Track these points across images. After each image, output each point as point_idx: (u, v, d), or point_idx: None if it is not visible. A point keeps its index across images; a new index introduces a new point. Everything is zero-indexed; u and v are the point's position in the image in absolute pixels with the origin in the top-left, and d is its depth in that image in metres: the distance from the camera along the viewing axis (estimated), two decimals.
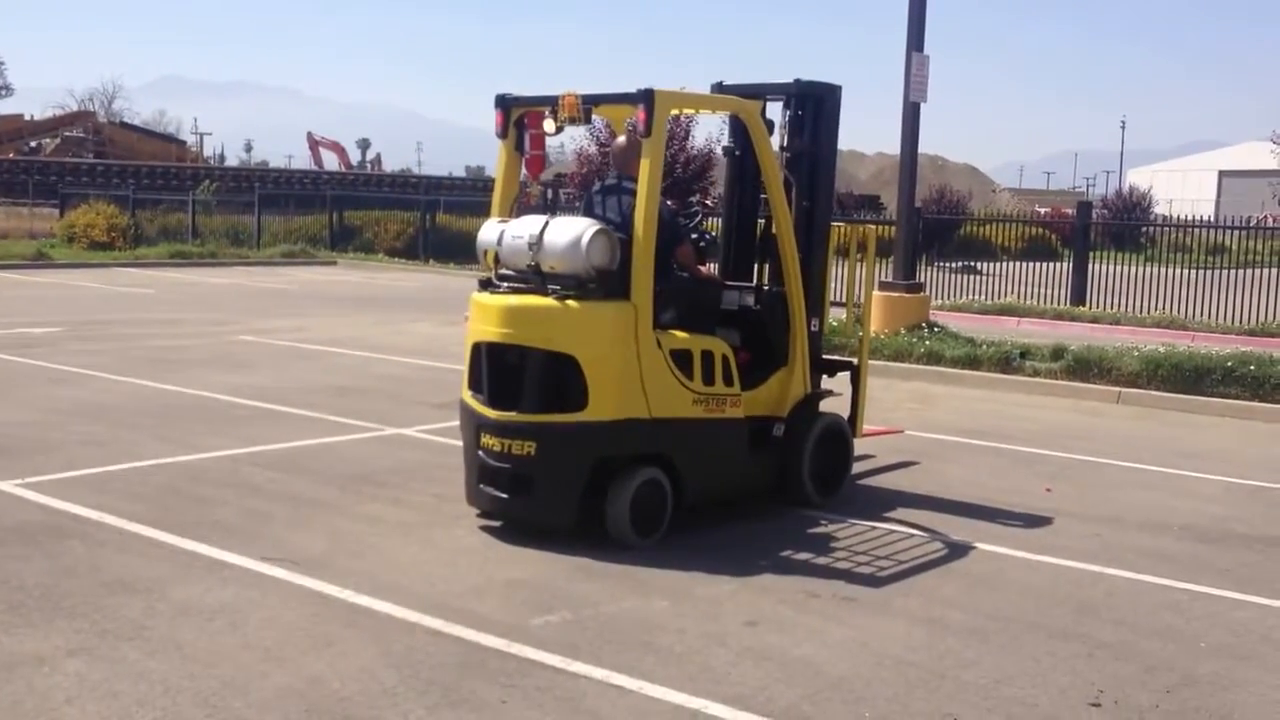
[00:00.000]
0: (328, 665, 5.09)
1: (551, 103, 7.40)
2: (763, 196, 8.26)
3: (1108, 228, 34.38)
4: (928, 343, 14.64)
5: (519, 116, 7.74)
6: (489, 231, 7.35)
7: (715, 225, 9.53)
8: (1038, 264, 24.26)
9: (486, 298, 7.26)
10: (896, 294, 16.18)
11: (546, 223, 7.01)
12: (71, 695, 4.71)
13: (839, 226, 9.45)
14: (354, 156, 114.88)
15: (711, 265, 8.55)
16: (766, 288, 8.24)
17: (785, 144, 8.31)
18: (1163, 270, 21.58)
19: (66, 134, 73.96)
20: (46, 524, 6.99)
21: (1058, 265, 24.28)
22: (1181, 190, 73.18)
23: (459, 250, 31.65)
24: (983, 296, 22.99)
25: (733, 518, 7.60)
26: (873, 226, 10.50)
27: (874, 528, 7.60)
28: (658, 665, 5.22)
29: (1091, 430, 11.31)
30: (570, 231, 6.89)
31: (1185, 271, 21.56)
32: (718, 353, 7.36)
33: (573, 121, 7.36)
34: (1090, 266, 22.57)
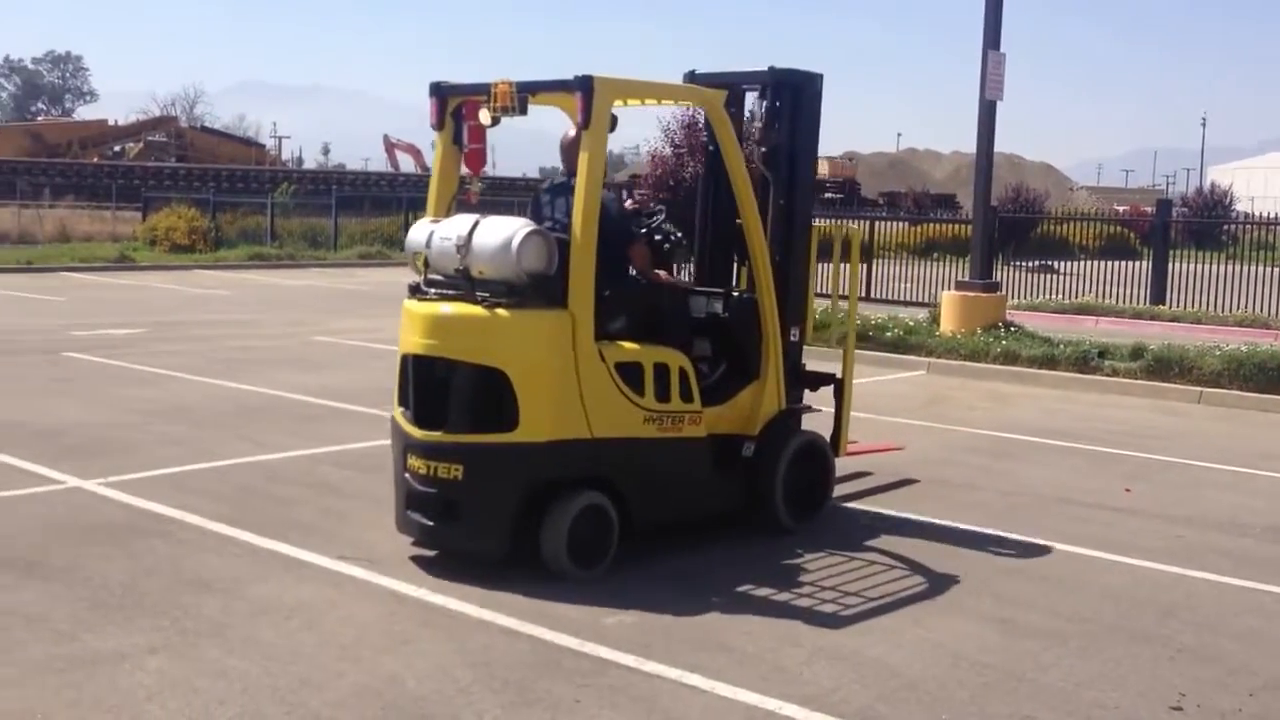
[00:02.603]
0: (404, 663, 5.13)
1: (487, 91, 6.76)
2: None
3: (1188, 226, 33.85)
4: (1004, 342, 14.51)
5: (456, 106, 7.03)
6: (418, 232, 6.68)
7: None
8: (1116, 263, 23.92)
9: (414, 305, 6.61)
10: (973, 294, 16.02)
11: (476, 222, 6.39)
12: (153, 692, 4.78)
13: (821, 226, 8.73)
14: (429, 159, 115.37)
15: (688, 269, 7.92)
16: (738, 293, 7.57)
17: (760, 137, 7.72)
18: (1245, 269, 21.19)
19: (149, 138, 75.27)
20: (128, 523, 7.12)
21: (1137, 264, 23.91)
22: (1264, 188, 71.88)
23: None
24: (1060, 296, 22.68)
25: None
26: (855, 227, 10.05)
27: (947, 527, 7.52)
28: (730, 665, 5.21)
29: (1172, 430, 11.15)
30: (501, 233, 6.25)
31: (1268, 270, 21.16)
32: (674, 365, 6.66)
33: (506, 112, 6.66)
34: (1170, 265, 22.24)
